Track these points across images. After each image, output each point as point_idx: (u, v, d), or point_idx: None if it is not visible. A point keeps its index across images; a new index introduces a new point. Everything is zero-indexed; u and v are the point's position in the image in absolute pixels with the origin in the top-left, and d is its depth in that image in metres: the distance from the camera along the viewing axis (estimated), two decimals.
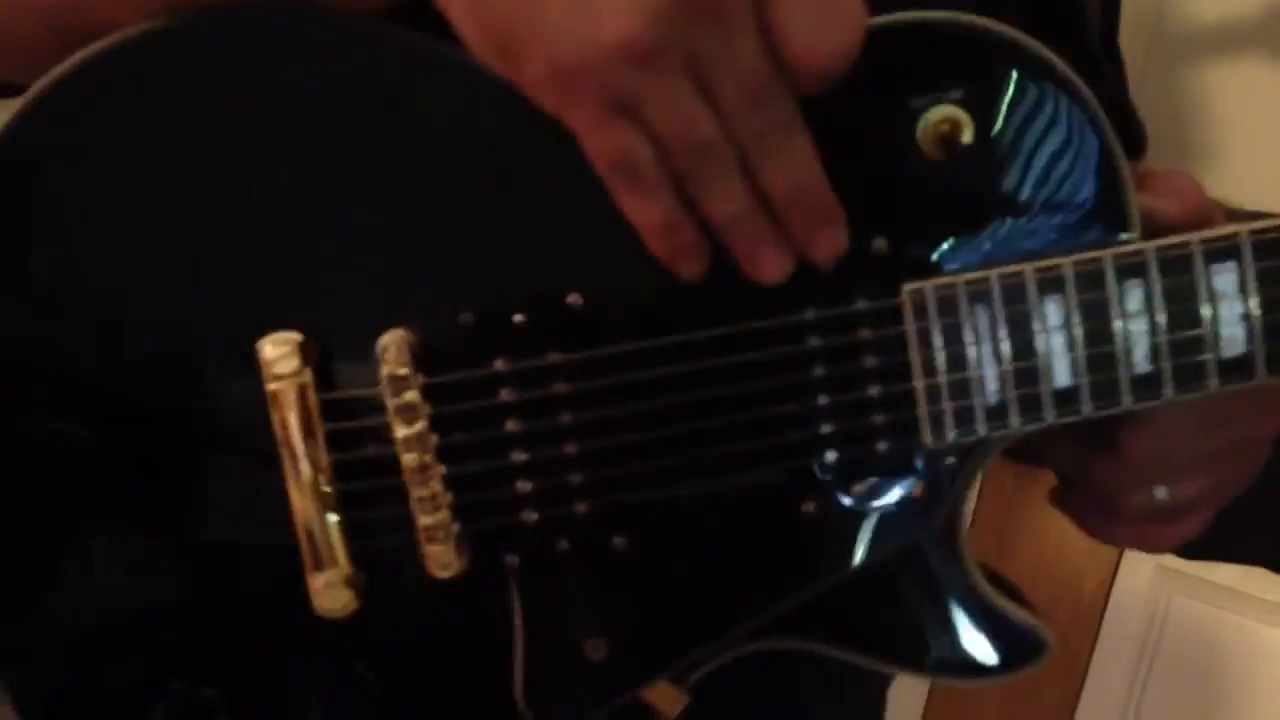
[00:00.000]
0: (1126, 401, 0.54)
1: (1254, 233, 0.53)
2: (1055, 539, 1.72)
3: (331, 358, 0.55)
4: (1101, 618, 1.71)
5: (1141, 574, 1.68)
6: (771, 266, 0.51)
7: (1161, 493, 0.58)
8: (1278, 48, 1.41)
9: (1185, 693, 1.68)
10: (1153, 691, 1.70)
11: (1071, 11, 0.64)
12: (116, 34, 0.53)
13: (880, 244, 0.54)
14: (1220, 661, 1.67)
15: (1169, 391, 0.54)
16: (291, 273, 0.55)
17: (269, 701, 0.59)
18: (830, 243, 0.51)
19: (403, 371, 0.54)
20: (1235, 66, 1.44)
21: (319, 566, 0.56)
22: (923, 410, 0.54)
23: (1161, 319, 0.53)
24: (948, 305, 0.54)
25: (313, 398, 0.55)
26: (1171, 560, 1.62)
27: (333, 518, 0.56)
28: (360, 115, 0.54)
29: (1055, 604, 1.73)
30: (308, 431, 0.55)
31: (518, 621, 0.57)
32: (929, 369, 0.54)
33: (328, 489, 0.55)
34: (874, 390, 0.55)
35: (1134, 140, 0.64)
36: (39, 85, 0.54)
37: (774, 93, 0.46)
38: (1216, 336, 0.54)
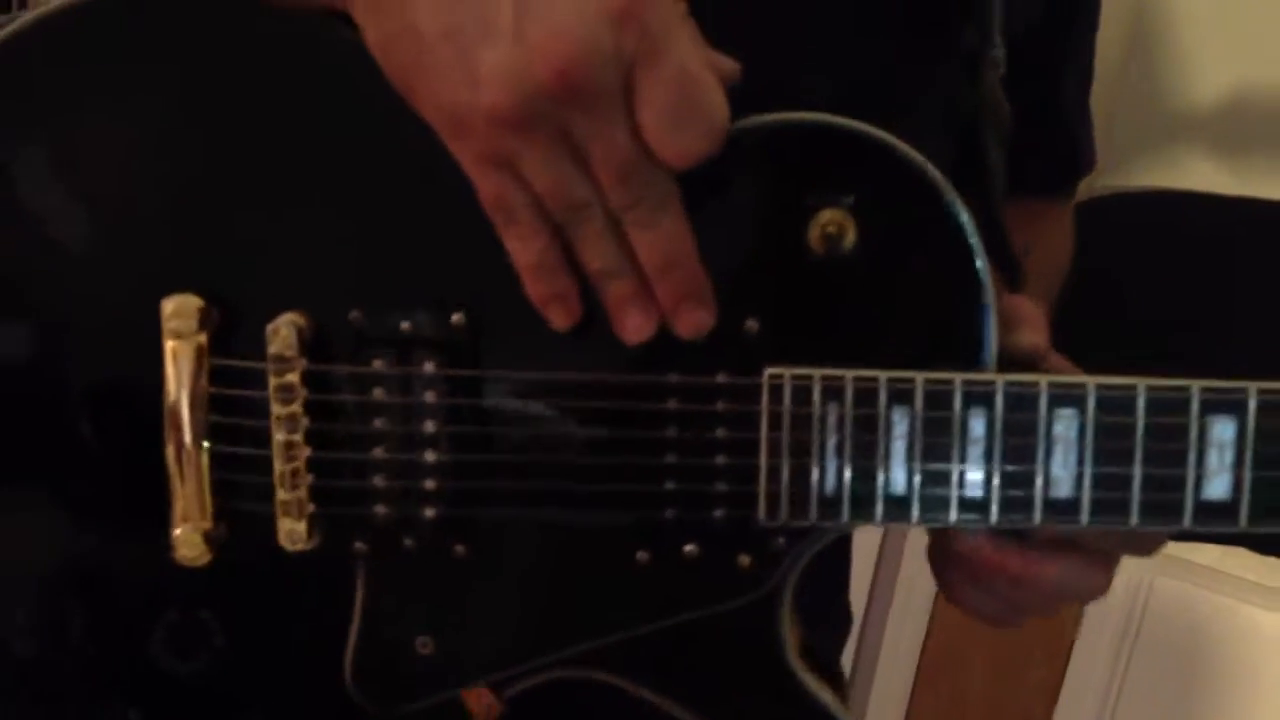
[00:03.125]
0: (952, 519, 0.56)
1: (1100, 386, 0.54)
2: None
3: (231, 328, 0.57)
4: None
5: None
6: (634, 326, 0.53)
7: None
8: (1254, 46, 1.41)
9: (1168, 671, 1.66)
10: (1136, 669, 1.68)
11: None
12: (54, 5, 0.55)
13: (751, 325, 0.55)
14: (1202, 640, 1.65)
15: (994, 518, 0.56)
16: (206, 243, 0.57)
17: (120, 628, 0.60)
18: (692, 318, 0.53)
19: (288, 353, 0.56)
20: (1212, 64, 1.45)
21: (185, 517, 0.58)
22: (761, 488, 0.56)
23: (999, 449, 0.55)
24: (801, 395, 0.55)
25: (205, 360, 0.57)
26: None
27: (204, 474, 0.58)
28: (289, 103, 0.55)
29: None
30: (194, 389, 0.57)
31: (358, 604, 0.59)
32: (773, 451, 0.55)
33: (203, 446, 0.57)
34: (720, 460, 0.56)
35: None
36: None
37: (644, 172, 0.48)
38: (1048, 475, 0.55)
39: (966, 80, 0.62)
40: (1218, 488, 0.55)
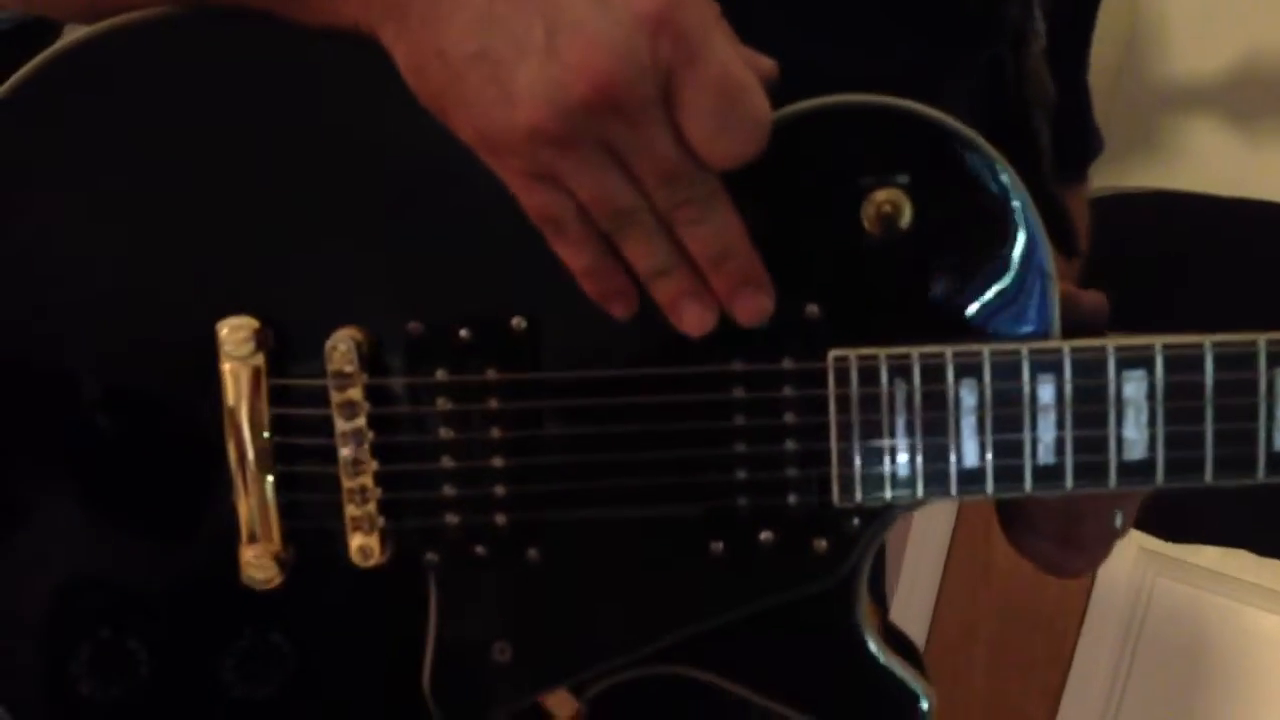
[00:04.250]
0: (1028, 488, 0.55)
1: (1167, 346, 0.54)
2: None
3: (288, 347, 0.56)
4: (1087, 600, 1.71)
5: (1125, 556, 1.67)
6: (691, 318, 0.52)
7: (1117, 518, 0.59)
8: (1245, 52, 1.41)
9: (1169, 672, 1.68)
10: (1138, 671, 1.70)
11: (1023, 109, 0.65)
12: (91, 30, 0.54)
13: (812, 310, 0.54)
14: (1203, 642, 1.66)
15: (1069, 484, 0.55)
16: (259, 264, 0.56)
17: (189, 658, 0.59)
18: (751, 304, 0.52)
19: (348, 369, 0.55)
20: (1205, 70, 1.45)
21: (252, 539, 0.57)
22: (834, 471, 0.55)
23: (1069, 416, 0.54)
24: (869, 375, 0.54)
25: (263, 381, 0.56)
26: (1155, 543, 1.62)
27: (270, 496, 0.57)
28: (335, 122, 0.55)
29: (1041, 587, 1.73)
30: (254, 411, 0.56)
31: (432, 616, 0.58)
32: (844, 433, 0.55)
33: (268, 468, 0.56)
34: (790, 446, 0.55)
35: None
36: (15, 78, 0.55)
37: (687, 173, 0.48)
38: (1120, 439, 0.54)
39: (1012, 55, 0.61)
40: None
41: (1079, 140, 0.84)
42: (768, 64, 0.49)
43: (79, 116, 0.55)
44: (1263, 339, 0.53)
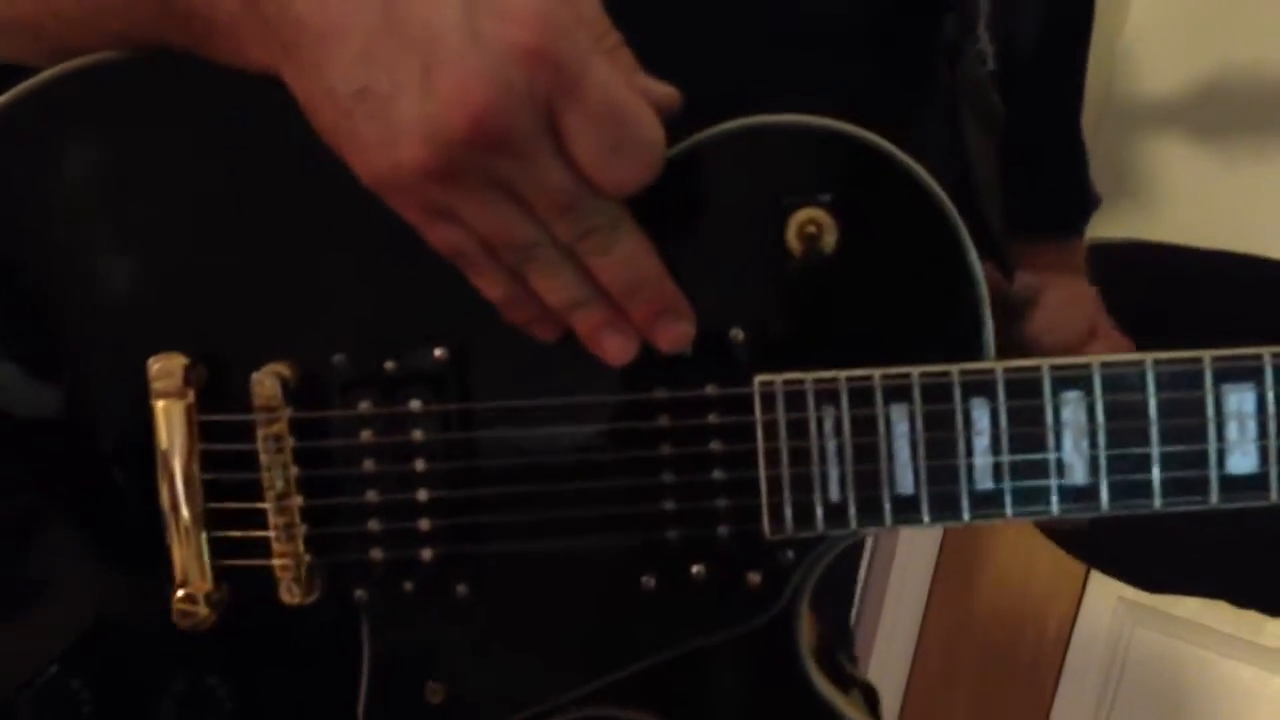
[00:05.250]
0: (966, 517, 0.53)
1: (1104, 365, 0.51)
2: (1019, 573, 1.70)
3: (218, 383, 0.56)
4: (1066, 649, 1.68)
5: (1104, 606, 1.65)
6: (612, 349, 0.51)
7: None
8: (1219, 111, 1.39)
9: None
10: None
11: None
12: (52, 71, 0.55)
13: (736, 334, 0.53)
14: (1181, 692, 1.63)
15: (1009, 510, 0.52)
16: (188, 299, 0.56)
17: (129, 700, 0.58)
18: (671, 332, 0.51)
19: (272, 404, 0.54)
20: (1179, 130, 1.44)
21: (182, 581, 0.56)
22: (763, 501, 0.53)
23: (1005, 439, 0.52)
24: (795, 400, 0.52)
25: (193, 418, 0.55)
26: (1134, 593, 1.60)
27: (199, 534, 0.56)
28: (255, 155, 0.54)
29: (1020, 636, 1.71)
30: (185, 448, 0.55)
31: (365, 654, 0.57)
32: (772, 461, 0.53)
33: (198, 505, 0.56)
34: (718, 475, 0.53)
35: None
36: None
37: (584, 204, 0.46)
38: (1060, 463, 0.52)
39: (948, 70, 0.59)
40: (1242, 461, 0.51)
41: (1073, 195, 0.81)
42: (666, 91, 0.48)
43: (18, 156, 0.56)
44: (1207, 355, 0.51)
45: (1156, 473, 0.51)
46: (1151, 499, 0.52)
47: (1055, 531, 0.79)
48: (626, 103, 0.45)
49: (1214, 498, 0.51)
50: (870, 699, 0.60)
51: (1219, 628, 1.61)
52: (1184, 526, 0.53)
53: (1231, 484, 0.51)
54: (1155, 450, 0.51)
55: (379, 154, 0.46)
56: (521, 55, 0.43)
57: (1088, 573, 1.68)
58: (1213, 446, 0.51)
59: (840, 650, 0.66)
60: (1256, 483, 0.51)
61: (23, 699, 0.59)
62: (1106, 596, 1.66)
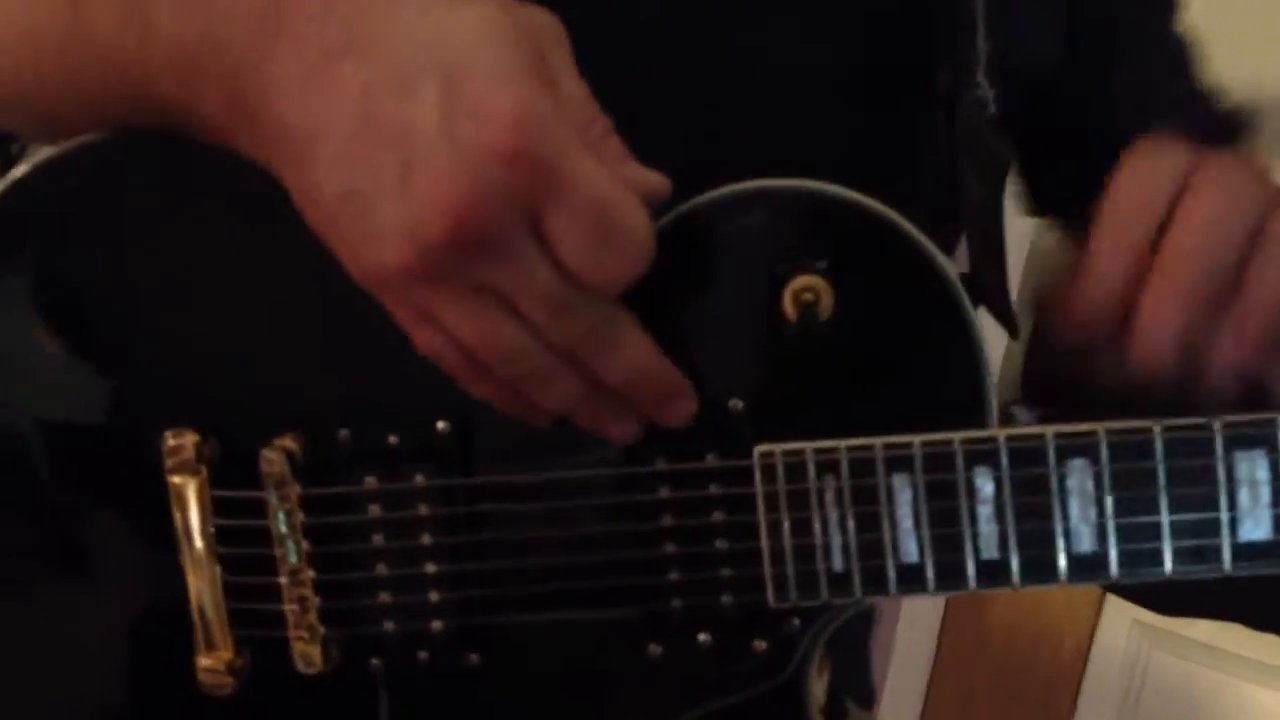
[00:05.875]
0: (972, 586, 0.52)
1: (1111, 432, 0.50)
2: (1034, 596, 1.67)
3: (230, 457, 0.56)
4: (1082, 673, 1.66)
5: (1120, 629, 1.62)
6: (618, 435, 0.50)
7: None
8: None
9: None
10: None
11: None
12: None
13: (736, 404, 0.52)
14: (1198, 716, 1.60)
15: (1016, 580, 0.51)
16: (199, 375, 0.57)
17: None
18: (675, 414, 0.51)
19: (282, 480, 0.55)
20: None
21: (205, 648, 0.57)
22: (767, 570, 0.53)
23: (1010, 508, 0.51)
24: (796, 471, 0.52)
25: (206, 493, 0.56)
26: (1150, 616, 1.58)
27: (220, 605, 0.57)
28: (257, 236, 0.55)
29: (1035, 659, 1.68)
30: (200, 524, 0.56)
31: None
32: (774, 531, 0.52)
33: (215, 578, 0.57)
34: (720, 545, 0.53)
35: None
36: None
37: (579, 303, 0.45)
38: (1068, 531, 0.51)
39: (944, 123, 0.58)
40: (1256, 529, 0.50)
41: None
42: (656, 180, 0.47)
43: (33, 236, 0.57)
44: (1217, 422, 0.49)
45: (1167, 541, 0.50)
46: (1162, 567, 0.50)
47: None
48: (611, 198, 0.44)
49: (1227, 566, 0.50)
50: None
51: (1236, 651, 1.57)
52: None
53: (1245, 552, 0.50)
54: (1165, 519, 0.50)
55: (363, 254, 0.46)
56: (500, 156, 0.43)
57: (1103, 596, 1.64)
58: (1224, 515, 0.49)
59: (852, 699, 0.65)
60: (1271, 550, 0.50)
61: None
62: (1122, 619, 1.63)
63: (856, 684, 0.70)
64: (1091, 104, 0.72)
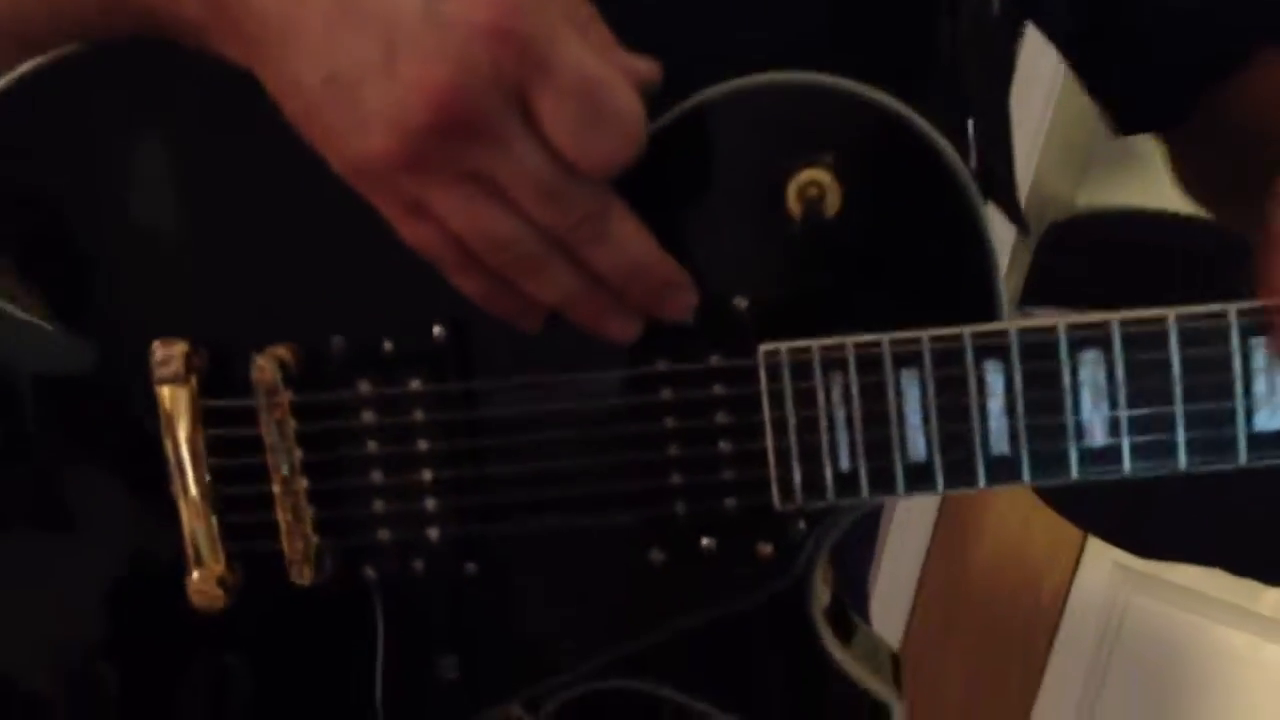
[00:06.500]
0: (982, 483, 0.50)
1: (1124, 322, 0.48)
2: (1016, 538, 1.68)
3: (220, 367, 0.55)
4: (1061, 614, 1.66)
5: (1100, 572, 1.62)
6: (617, 332, 0.49)
7: None
8: None
9: (1142, 688, 1.65)
10: (1110, 687, 1.66)
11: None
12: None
13: (740, 302, 0.51)
14: (1175, 658, 1.61)
15: (1026, 476, 0.50)
16: (188, 284, 0.55)
17: (144, 682, 0.59)
18: (675, 307, 0.49)
19: (273, 387, 0.53)
20: None
21: (196, 564, 0.56)
22: (772, 472, 0.51)
23: (1021, 402, 0.49)
24: (802, 369, 0.50)
25: (195, 403, 0.54)
26: (1130, 560, 1.57)
27: (210, 519, 0.55)
28: (247, 139, 0.53)
29: (1016, 600, 1.69)
30: (189, 434, 0.54)
31: (379, 633, 0.56)
32: (779, 431, 0.51)
33: (206, 491, 0.55)
34: (724, 447, 0.51)
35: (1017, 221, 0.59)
36: None
37: (569, 190, 0.44)
38: (1079, 425, 0.49)
39: (948, 21, 0.56)
40: (1272, 419, 0.48)
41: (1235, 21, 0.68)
42: (645, 65, 0.45)
43: (12, 150, 0.55)
44: (1233, 309, 0.48)
45: (1181, 432, 0.49)
46: (1177, 459, 0.49)
47: (1052, 497, 0.75)
48: (601, 78, 0.42)
49: (1242, 457, 0.49)
50: (890, 664, 0.58)
51: (1215, 595, 1.57)
52: (1181, 492, 0.50)
53: (1261, 442, 0.49)
54: (1179, 409, 0.48)
55: (347, 143, 0.44)
56: (485, 35, 0.41)
57: (1084, 538, 1.64)
58: (1240, 403, 0.48)
59: (855, 609, 0.64)
60: None
61: (43, 680, 0.59)
62: (1102, 562, 1.63)
63: (854, 605, 0.69)
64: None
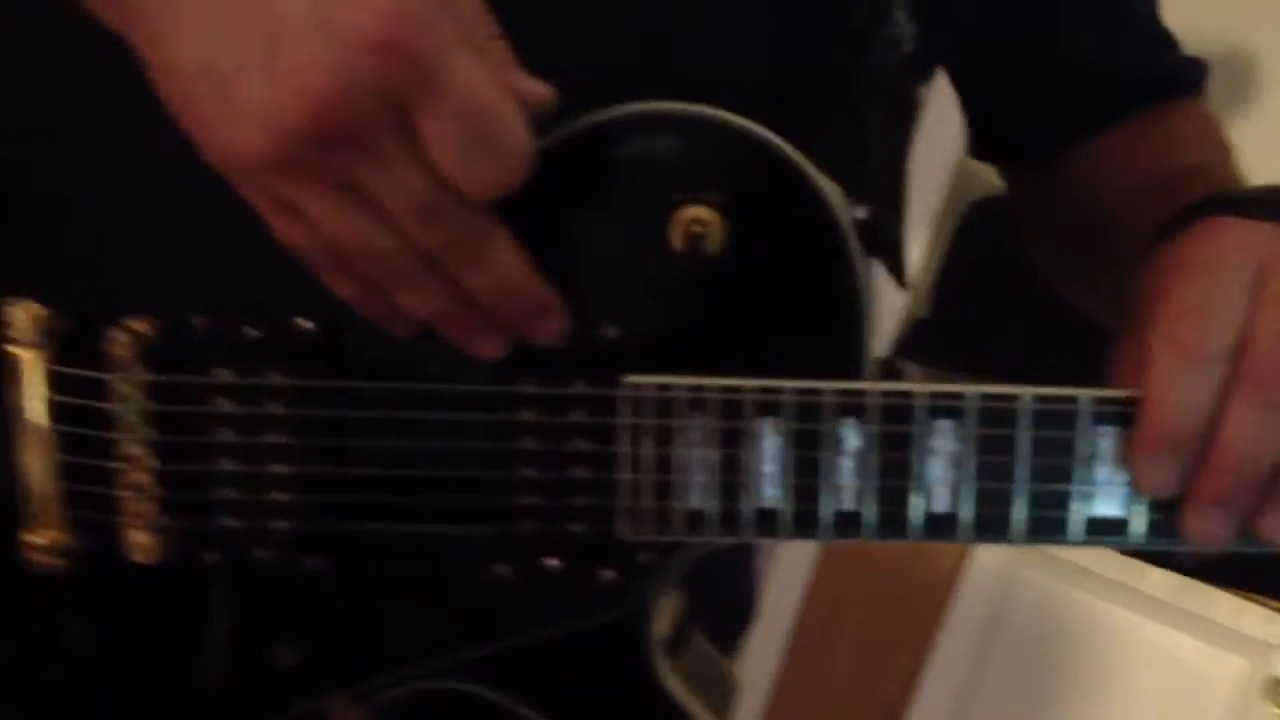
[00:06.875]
0: (826, 536, 0.51)
1: (983, 397, 0.49)
2: None
3: (80, 334, 0.53)
4: (954, 587, 1.72)
5: (998, 547, 1.68)
6: (484, 350, 0.48)
7: None
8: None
9: (1028, 661, 1.72)
10: (997, 658, 1.73)
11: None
12: None
13: (611, 331, 0.50)
14: (1059, 633, 1.69)
15: (870, 534, 0.51)
16: (52, 246, 0.53)
17: None
18: (545, 331, 0.49)
19: (127, 363, 0.52)
20: None
21: (37, 526, 0.54)
22: (623, 503, 0.51)
23: (873, 463, 0.50)
24: (664, 406, 0.50)
25: (44, 367, 0.52)
26: None
27: (52, 484, 0.54)
28: (121, 102, 0.50)
29: (914, 571, 1.74)
30: (41, 400, 0.53)
31: (214, 616, 0.55)
32: (635, 465, 0.51)
33: (51, 457, 0.53)
34: (579, 473, 0.51)
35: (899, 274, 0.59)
36: None
37: (449, 210, 0.43)
38: (926, 491, 0.50)
39: (853, 61, 0.56)
40: (1107, 504, 0.50)
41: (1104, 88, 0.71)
42: (541, 90, 0.44)
43: None
44: (1086, 395, 0.49)
45: (1021, 509, 0.50)
46: (1010, 533, 0.50)
47: None
48: (488, 103, 0.41)
49: (1077, 537, 0.50)
50: (729, 691, 0.59)
51: (1103, 572, 1.65)
52: None
53: (1095, 526, 0.50)
54: (1023, 486, 0.50)
55: (218, 135, 0.42)
56: (371, 46, 0.40)
57: None
58: (1079, 488, 0.50)
59: (717, 621, 0.65)
60: (1119, 526, 0.50)
61: None
62: None
63: (730, 601, 0.70)
64: (1034, 44, 0.70)
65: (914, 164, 0.63)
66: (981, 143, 0.74)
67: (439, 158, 0.42)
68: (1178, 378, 0.47)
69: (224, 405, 0.52)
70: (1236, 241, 0.49)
